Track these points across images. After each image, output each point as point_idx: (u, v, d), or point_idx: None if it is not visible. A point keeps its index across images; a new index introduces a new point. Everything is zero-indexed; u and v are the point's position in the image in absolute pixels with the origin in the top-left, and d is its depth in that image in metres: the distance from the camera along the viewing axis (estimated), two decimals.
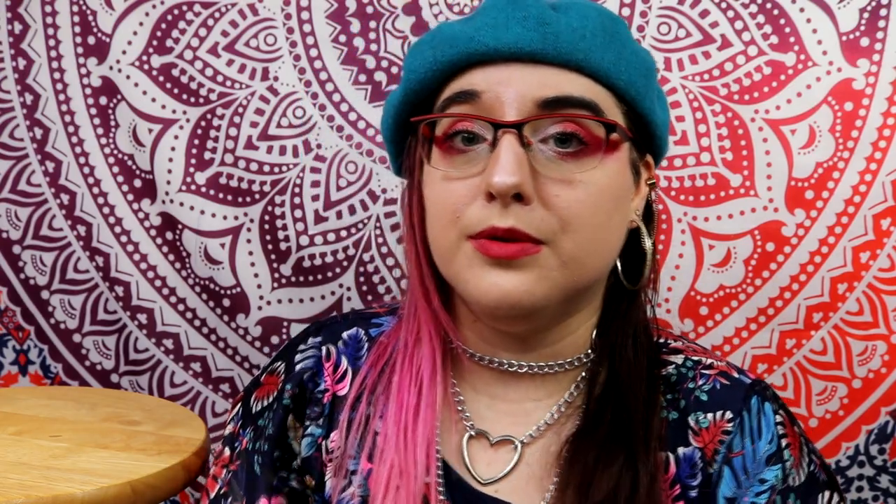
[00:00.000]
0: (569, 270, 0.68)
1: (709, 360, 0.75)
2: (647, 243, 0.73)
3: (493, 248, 0.66)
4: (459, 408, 0.75)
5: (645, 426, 0.70)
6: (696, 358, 0.76)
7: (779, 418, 0.72)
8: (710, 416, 0.72)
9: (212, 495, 0.76)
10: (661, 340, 0.77)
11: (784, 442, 0.70)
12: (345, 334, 0.79)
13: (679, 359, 0.76)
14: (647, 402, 0.72)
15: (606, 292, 0.76)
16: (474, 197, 0.67)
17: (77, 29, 1.30)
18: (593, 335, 0.76)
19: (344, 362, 0.78)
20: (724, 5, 1.14)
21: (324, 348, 0.78)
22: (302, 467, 0.76)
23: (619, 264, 0.74)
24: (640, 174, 0.74)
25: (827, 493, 0.71)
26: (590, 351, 0.76)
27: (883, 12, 1.11)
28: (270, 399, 0.77)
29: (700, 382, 0.73)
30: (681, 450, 0.71)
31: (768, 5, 1.13)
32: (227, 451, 0.77)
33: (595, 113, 0.67)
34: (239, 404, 0.80)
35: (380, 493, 0.70)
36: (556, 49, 0.67)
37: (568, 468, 0.70)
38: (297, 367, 0.78)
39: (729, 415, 0.71)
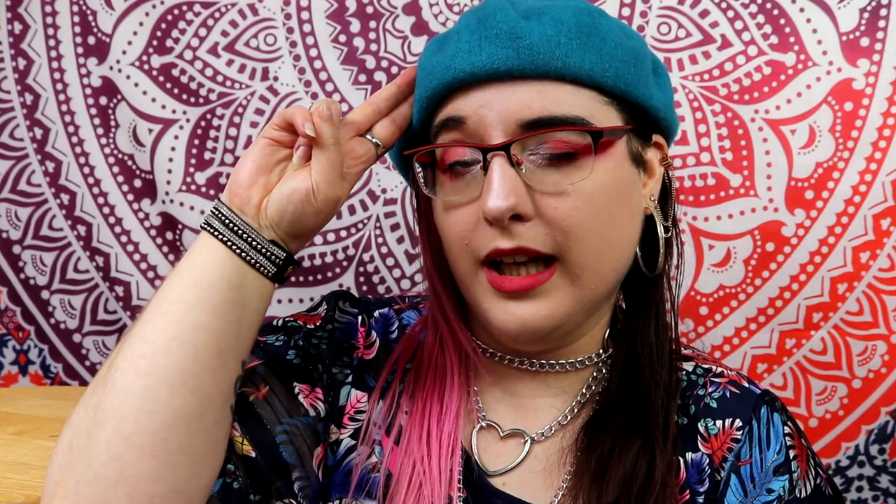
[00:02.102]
0: (585, 282, 0.68)
1: (719, 369, 0.76)
2: (661, 230, 0.73)
3: (505, 283, 0.67)
4: (474, 398, 0.76)
5: (664, 413, 0.70)
6: (706, 366, 0.76)
7: (787, 430, 0.72)
8: (719, 422, 0.72)
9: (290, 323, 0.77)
10: (673, 347, 0.77)
11: (792, 453, 0.70)
12: (377, 312, 0.80)
13: (689, 366, 0.76)
14: (668, 389, 0.72)
15: (626, 279, 0.76)
16: (478, 221, 0.68)
17: (77, 29, 1.30)
18: (605, 335, 0.76)
19: (374, 334, 0.79)
20: (724, 5, 1.14)
21: (360, 317, 0.79)
22: (329, 413, 0.75)
23: (639, 251, 0.73)
24: (644, 161, 0.73)
25: None
26: (601, 351, 0.76)
27: (883, 12, 1.11)
28: (318, 323, 0.78)
29: (710, 389, 0.74)
30: (689, 455, 0.71)
31: (768, 5, 1.13)
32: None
33: (581, 125, 0.67)
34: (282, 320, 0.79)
35: (403, 485, 0.70)
36: (532, 62, 0.66)
37: (584, 456, 0.70)
38: (338, 317, 0.78)
39: (738, 423, 0.71)
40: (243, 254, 0.66)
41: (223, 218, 0.66)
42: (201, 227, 0.67)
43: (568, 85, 0.67)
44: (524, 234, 0.66)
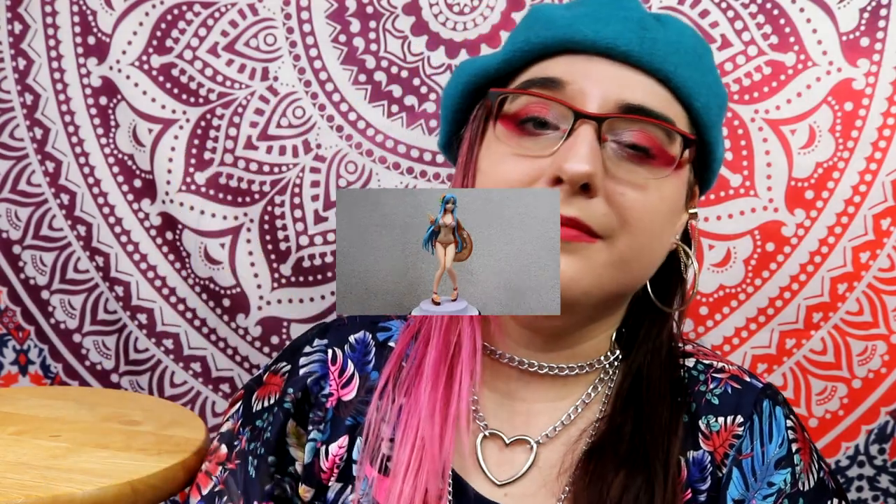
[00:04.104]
0: (616, 271, 0.67)
1: (720, 364, 0.75)
2: (695, 265, 0.73)
3: None
4: (473, 408, 0.74)
5: (665, 452, 0.69)
6: (707, 361, 0.75)
7: (790, 423, 0.71)
8: (721, 419, 0.71)
9: (204, 491, 0.75)
10: (673, 344, 0.77)
11: (795, 447, 0.70)
12: (352, 338, 0.78)
13: (690, 362, 0.75)
14: (668, 428, 0.70)
15: (632, 306, 0.76)
16: (537, 178, 0.66)
17: (77, 29, 1.30)
18: (612, 338, 0.75)
19: (350, 367, 0.77)
20: (724, 5, 1.14)
21: (330, 351, 0.77)
22: (302, 475, 0.74)
23: (648, 283, 0.73)
24: (689, 198, 0.74)
25: (835, 501, 0.70)
26: (608, 353, 0.75)
27: (883, 12, 1.11)
28: (271, 401, 0.76)
29: (711, 386, 0.73)
30: (691, 453, 0.70)
31: (768, 5, 1.13)
32: (223, 449, 0.77)
33: (673, 126, 0.67)
34: (240, 402, 0.79)
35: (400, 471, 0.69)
36: (650, 55, 0.67)
37: (581, 486, 0.68)
38: (302, 371, 0.76)
39: (740, 419, 0.71)
40: None
41: None
42: None
43: (668, 92, 0.68)
44: (584, 208, 0.65)
